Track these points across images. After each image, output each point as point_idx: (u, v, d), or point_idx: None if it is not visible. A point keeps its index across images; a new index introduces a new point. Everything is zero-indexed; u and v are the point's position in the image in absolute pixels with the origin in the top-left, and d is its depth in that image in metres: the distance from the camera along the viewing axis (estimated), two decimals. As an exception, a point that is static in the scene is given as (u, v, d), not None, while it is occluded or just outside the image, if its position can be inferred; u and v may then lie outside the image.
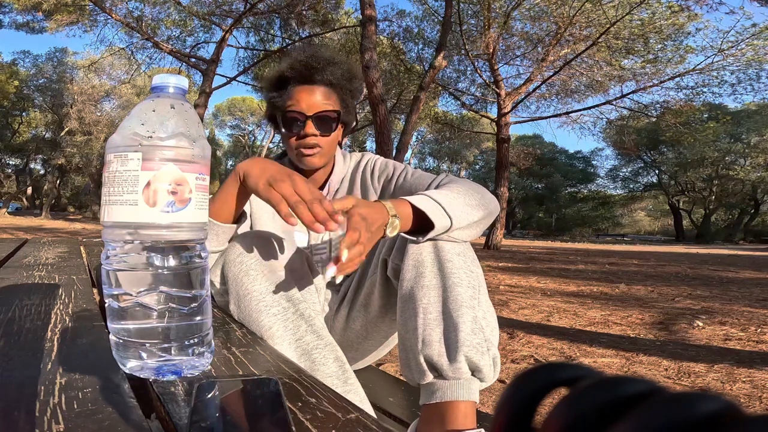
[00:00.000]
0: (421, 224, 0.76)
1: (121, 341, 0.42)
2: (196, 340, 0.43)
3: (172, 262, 0.42)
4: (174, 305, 0.42)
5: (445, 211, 0.75)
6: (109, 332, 0.43)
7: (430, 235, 0.75)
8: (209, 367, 0.47)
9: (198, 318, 0.43)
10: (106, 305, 0.43)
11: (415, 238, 0.77)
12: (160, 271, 0.41)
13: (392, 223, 0.73)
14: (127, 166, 0.40)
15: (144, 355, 0.41)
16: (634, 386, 0.12)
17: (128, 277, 0.41)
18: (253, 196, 1.01)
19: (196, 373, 0.44)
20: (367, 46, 6.14)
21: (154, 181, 0.40)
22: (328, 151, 0.97)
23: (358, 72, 1.03)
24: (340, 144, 1.07)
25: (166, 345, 0.42)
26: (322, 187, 1.05)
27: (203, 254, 0.45)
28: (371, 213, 0.70)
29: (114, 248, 0.42)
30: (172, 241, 0.41)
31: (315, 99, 0.94)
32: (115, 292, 0.41)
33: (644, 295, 4.15)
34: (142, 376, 0.42)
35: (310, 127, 0.93)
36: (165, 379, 0.43)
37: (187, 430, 0.33)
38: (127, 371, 0.42)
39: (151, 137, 0.40)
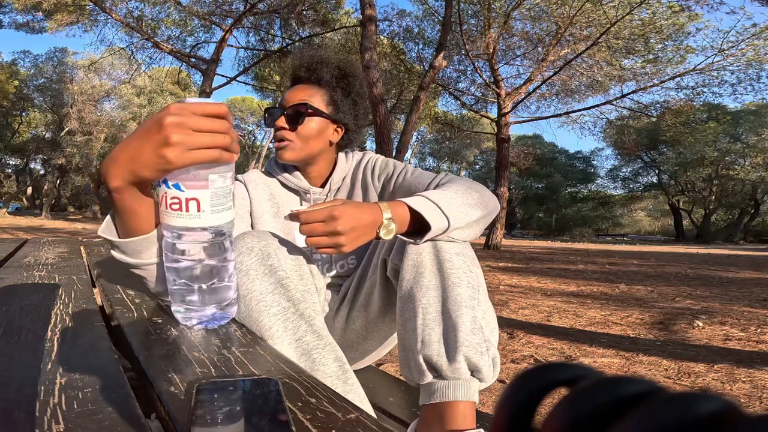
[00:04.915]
0: (419, 225, 0.76)
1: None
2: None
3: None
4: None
5: (442, 211, 0.75)
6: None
7: (428, 236, 0.75)
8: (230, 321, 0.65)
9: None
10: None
11: (412, 240, 0.77)
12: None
13: (387, 226, 0.73)
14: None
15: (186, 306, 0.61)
16: (634, 386, 0.12)
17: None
18: (252, 196, 1.01)
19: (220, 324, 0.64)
20: (367, 46, 6.14)
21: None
22: (301, 146, 0.97)
23: (352, 70, 1.00)
24: (340, 145, 1.06)
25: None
26: (322, 186, 1.05)
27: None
28: (354, 212, 0.70)
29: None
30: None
31: (294, 95, 0.97)
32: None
33: (644, 295, 4.15)
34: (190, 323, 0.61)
35: (281, 121, 0.95)
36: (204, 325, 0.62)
37: (187, 430, 0.32)
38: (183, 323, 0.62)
39: None
